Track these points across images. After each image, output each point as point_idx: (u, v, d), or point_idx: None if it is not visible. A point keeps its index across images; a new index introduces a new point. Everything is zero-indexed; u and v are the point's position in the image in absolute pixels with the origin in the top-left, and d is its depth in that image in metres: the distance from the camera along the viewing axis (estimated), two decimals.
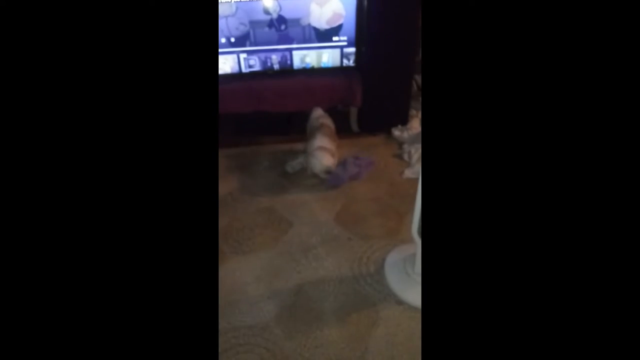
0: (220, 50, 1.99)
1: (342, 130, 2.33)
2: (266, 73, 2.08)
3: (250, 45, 1.99)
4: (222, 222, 1.58)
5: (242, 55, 2.02)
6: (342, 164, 1.85)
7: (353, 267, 1.34)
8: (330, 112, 2.41)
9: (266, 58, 2.05)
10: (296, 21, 1.96)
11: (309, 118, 2.02)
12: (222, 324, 1.15)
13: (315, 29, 1.99)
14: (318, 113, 2.04)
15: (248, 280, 1.30)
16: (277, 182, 1.82)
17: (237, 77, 2.07)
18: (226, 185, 1.84)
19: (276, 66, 2.08)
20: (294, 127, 1.94)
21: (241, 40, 1.98)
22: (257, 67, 2.06)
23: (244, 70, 2.06)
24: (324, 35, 2.01)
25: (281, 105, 2.10)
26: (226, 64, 2.03)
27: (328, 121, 1.99)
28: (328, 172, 1.76)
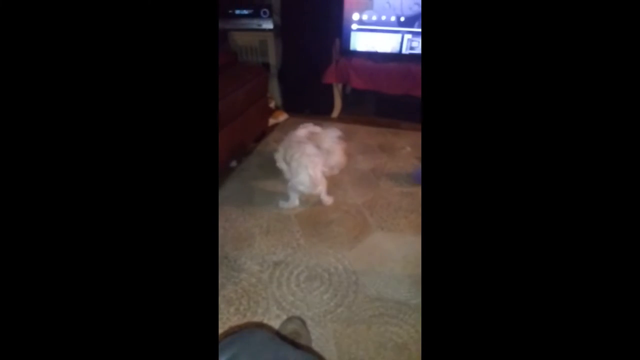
0: (386, 28, 1.98)
1: None
2: None
3: (419, 26, 1.94)
4: (367, 195, 1.58)
5: (407, 36, 1.98)
6: None
7: None
8: None
9: None
10: None
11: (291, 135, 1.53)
12: (371, 290, 1.15)
13: None
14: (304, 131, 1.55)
15: (395, 258, 1.27)
16: (418, 168, 1.76)
17: (395, 57, 2.05)
18: (368, 162, 1.85)
19: None
20: None
21: (410, 21, 1.94)
22: (419, 50, 2.00)
23: (404, 51, 2.03)
24: None
25: None
26: (387, 44, 2.03)
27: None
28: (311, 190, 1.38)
